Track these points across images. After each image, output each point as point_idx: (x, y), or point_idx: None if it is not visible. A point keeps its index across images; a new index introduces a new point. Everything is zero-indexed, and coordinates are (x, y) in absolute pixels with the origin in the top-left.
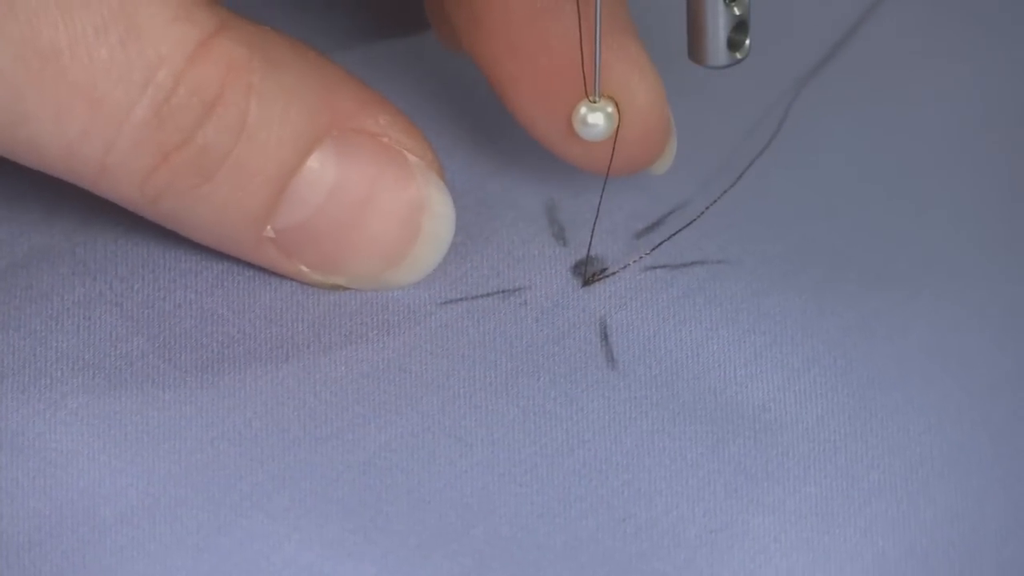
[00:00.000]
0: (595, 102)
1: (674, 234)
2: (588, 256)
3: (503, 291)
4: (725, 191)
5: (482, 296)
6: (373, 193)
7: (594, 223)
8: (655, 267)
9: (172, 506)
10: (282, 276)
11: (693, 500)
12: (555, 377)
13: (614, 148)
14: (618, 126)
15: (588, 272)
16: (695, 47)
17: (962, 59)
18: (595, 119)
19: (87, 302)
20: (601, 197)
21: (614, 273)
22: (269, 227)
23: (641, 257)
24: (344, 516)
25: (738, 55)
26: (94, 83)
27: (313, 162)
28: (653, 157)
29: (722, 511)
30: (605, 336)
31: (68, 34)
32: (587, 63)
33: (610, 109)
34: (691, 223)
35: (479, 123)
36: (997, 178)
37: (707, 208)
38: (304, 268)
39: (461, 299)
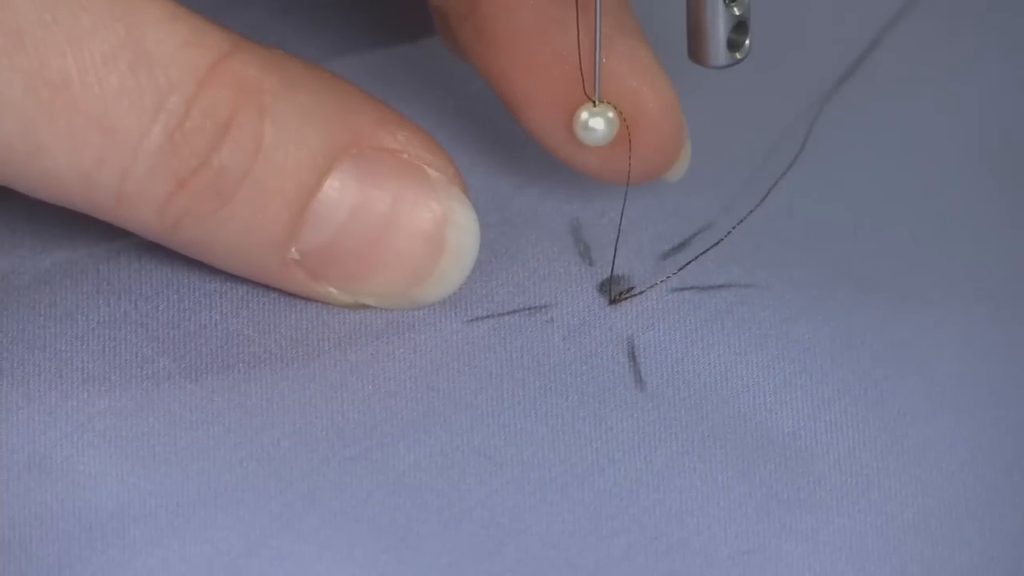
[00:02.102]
0: (595, 105)
1: (701, 254)
2: (612, 275)
3: (530, 308)
4: (751, 211)
5: (508, 313)
6: (395, 209)
7: (616, 240)
8: (682, 289)
9: (202, 527)
10: (309, 299)
11: (725, 521)
12: (583, 396)
13: (630, 151)
14: (622, 129)
15: (614, 291)
16: (695, 47)
17: (984, 73)
18: (595, 123)
19: (112, 322)
20: (623, 210)
21: (641, 293)
22: (294, 249)
23: (668, 277)
24: (375, 536)
25: (738, 55)
26: (105, 111)
27: (333, 181)
28: (668, 163)
29: (754, 534)
30: (633, 356)
31: (77, 63)
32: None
33: (611, 114)
34: (718, 243)
35: (499, 141)
36: (1022, 196)
37: (733, 229)
38: (332, 290)
39: (487, 316)
